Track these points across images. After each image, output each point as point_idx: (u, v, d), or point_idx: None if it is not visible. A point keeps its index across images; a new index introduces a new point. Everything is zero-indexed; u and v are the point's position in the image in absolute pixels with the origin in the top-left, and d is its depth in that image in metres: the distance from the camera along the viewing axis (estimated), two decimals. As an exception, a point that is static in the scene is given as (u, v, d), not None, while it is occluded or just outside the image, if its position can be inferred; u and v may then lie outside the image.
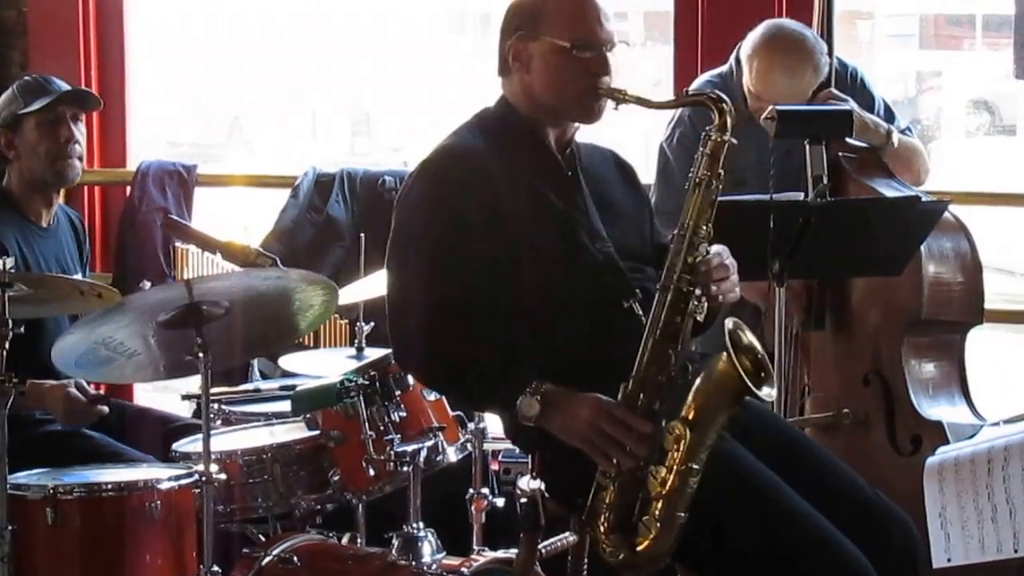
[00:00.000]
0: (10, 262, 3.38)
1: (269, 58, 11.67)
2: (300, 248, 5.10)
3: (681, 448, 2.90)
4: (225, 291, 3.54)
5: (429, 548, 3.61)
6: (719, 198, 3.03)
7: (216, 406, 4.06)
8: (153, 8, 6.17)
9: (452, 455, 3.78)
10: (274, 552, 3.61)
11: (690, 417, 2.91)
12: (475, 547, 3.89)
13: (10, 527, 3.33)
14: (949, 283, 4.08)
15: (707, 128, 3.04)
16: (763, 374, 2.94)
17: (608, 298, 3.13)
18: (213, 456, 3.52)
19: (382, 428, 3.65)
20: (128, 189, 5.36)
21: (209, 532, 3.47)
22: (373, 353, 4.00)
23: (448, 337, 3.03)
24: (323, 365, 4.09)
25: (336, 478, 3.70)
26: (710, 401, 2.92)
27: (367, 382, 3.66)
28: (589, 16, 3.14)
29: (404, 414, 3.71)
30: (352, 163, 5.42)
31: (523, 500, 2.96)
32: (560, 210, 3.16)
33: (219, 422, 4.04)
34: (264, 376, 4.53)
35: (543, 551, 3.24)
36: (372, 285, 4.03)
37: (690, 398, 2.93)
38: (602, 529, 2.97)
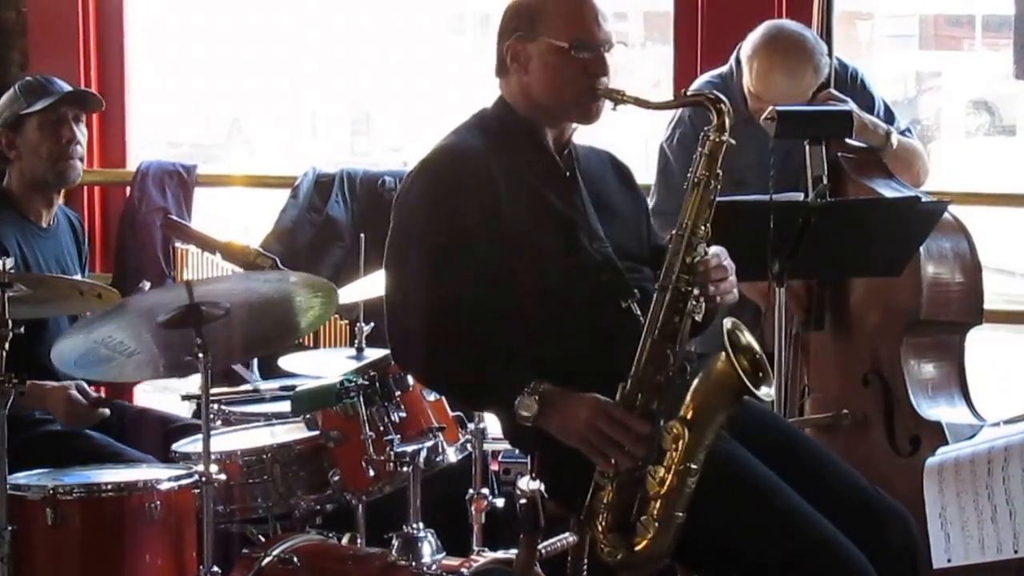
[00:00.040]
0: (10, 262, 3.38)
1: (269, 58, 11.67)
2: (300, 248, 5.10)
3: (679, 448, 2.90)
4: (225, 293, 3.54)
5: (429, 548, 3.60)
6: (719, 198, 3.03)
7: (216, 406, 4.06)
8: (153, 8, 6.17)
9: (452, 455, 3.78)
10: (274, 552, 3.61)
11: (688, 417, 2.92)
12: (475, 547, 3.89)
13: (10, 527, 3.33)
14: (948, 283, 4.08)
15: (705, 128, 3.04)
16: (761, 374, 2.94)
17: (606, 298, 3.13)
18: (213, 456, 3.52)
19: (382, 428, 3.65)
20: (128, 189, 5.36)
21: (209, 532, 3.47)
22: (373, 353, 4.00)
23: (447, 337, 3.03)
24: (323, 365, 4.09)
25: (336, 478, 3.70)
26: (708, 401, 2.92)
27: (367, 382, 3.66)
28: (587, 17, 3.13)
29: (404, 414, 3.71)
30: (352, 163, 5.42)
31: (522, 501, 2.96)
32: (559, 210, 3.16)
33: (219, 422, 4.04)
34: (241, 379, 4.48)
35: (543, 552, 3.24)
36: (372, 285, 4.03)
37: (688, 398, 2.93)
38: (600, 529, 2.97)
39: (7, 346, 3.34)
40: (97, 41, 5.42)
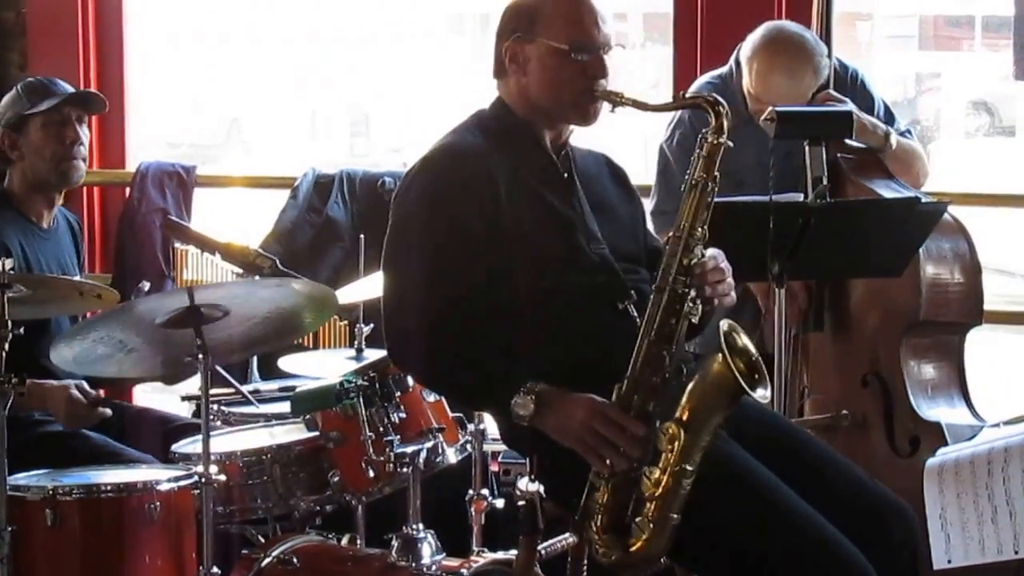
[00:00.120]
0: (10, 263, 3.38)
1: (268, 59, 11.68)
2: (299, 249, 5.10)
3: (675, 449, 2.90)
4: (225, 296, 3.54)
5: (429, 549, 3.60)
6: (719, 199, 3.03)
7: (216, 407, 4.06)
8: (152, 9, 6.17)
9: (452, 456, 3.77)
10: (273, 553, 3.61)
11: (684, 418, 2.91)
12: (474, 548, 3.89)
13: (9, 528, 3.33)
14: (948, 284, 4.08)
15: (703, 131, 3.04)
16: (757, 376, 2.94)
17: (603, 299, 3.13)
18: (212, 457, 3.52)
19: (381, 429, 3.65)
20: (127, 190, 5.36)
21: (208, 533, 3.47)
22: (372, 354, 4.00)
23: (446, 337, 3.04)
24: (322, 366, 4.09)
25: (335, 479, 3.69)
26: (705, 402, 2.92)
27: (367, 383, 3.66)
28: (586, 18, 3.13)
29: (404, 415, 3.70)
30: (351, 164, 5.41)
31: (522, 502, 2.96)
32: (558, 211, 3.16)
33: (219, 423, 4.04)
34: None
35: (542, 552, 3.24)
36: (372, 286, 4.03)
37: (684, 399, 2.93)
38: (595, 529, 2.97)
39: (7, 346, 3.34)
40: (96, 42, 5.42)
